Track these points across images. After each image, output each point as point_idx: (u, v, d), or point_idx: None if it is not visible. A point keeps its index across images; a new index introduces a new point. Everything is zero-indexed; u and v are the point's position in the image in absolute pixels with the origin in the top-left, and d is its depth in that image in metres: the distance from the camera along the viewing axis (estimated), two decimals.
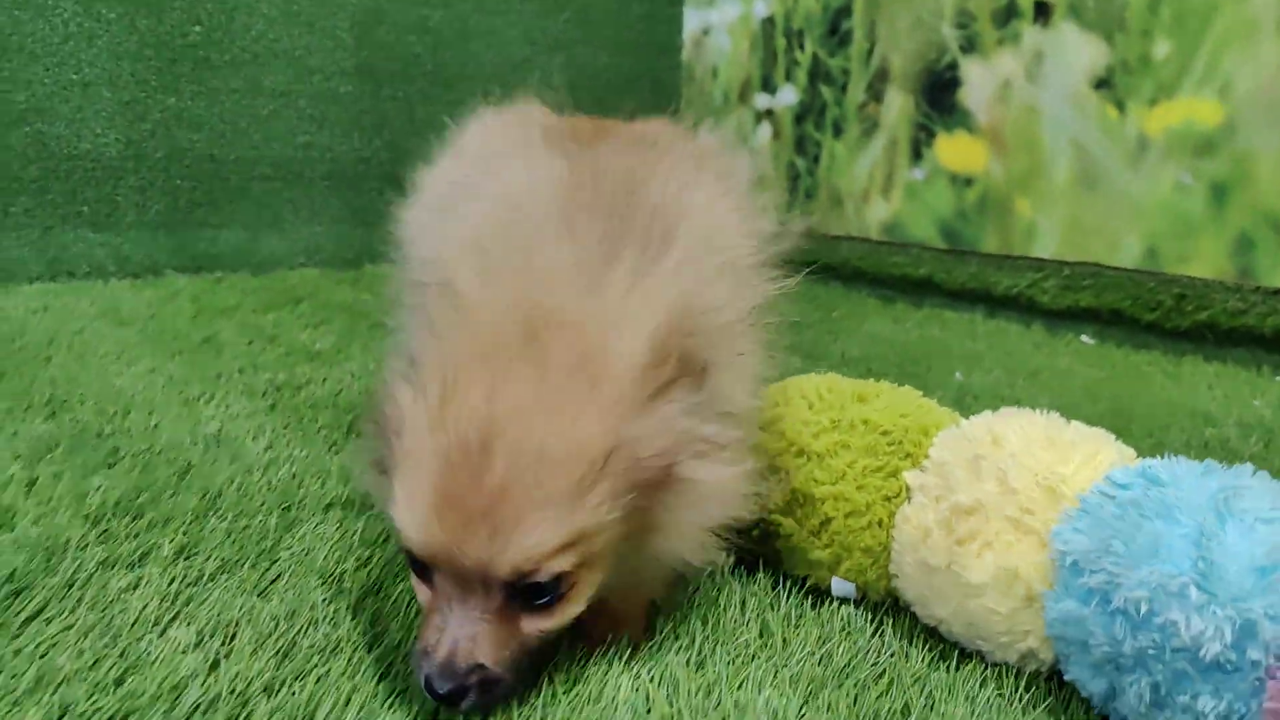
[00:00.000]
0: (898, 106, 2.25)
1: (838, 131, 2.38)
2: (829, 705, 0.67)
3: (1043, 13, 1.98)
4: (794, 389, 0.90)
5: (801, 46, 2.45)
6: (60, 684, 0.64)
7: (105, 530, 0.88)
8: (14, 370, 1.36)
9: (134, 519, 0.91)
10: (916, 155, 2.22)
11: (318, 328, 1.70)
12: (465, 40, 2.35)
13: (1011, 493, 0.72)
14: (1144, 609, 0.61)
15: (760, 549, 0.86)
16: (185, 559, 0.83)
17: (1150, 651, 0.61)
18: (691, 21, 2.72)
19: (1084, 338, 1.91)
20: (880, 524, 0.78)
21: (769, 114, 2.55)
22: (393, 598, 0.78)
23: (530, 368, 0.59)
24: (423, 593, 0.64)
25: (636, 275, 0.63)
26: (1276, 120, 1.69)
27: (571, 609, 0.63)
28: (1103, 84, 1.90)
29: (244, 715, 0.62)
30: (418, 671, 0.61)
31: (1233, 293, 1.74)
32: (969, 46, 2.10)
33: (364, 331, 1.68)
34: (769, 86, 2.54)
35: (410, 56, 2.28)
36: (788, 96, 2.49)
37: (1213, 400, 1.48)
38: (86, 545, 0.84)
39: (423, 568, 0.62)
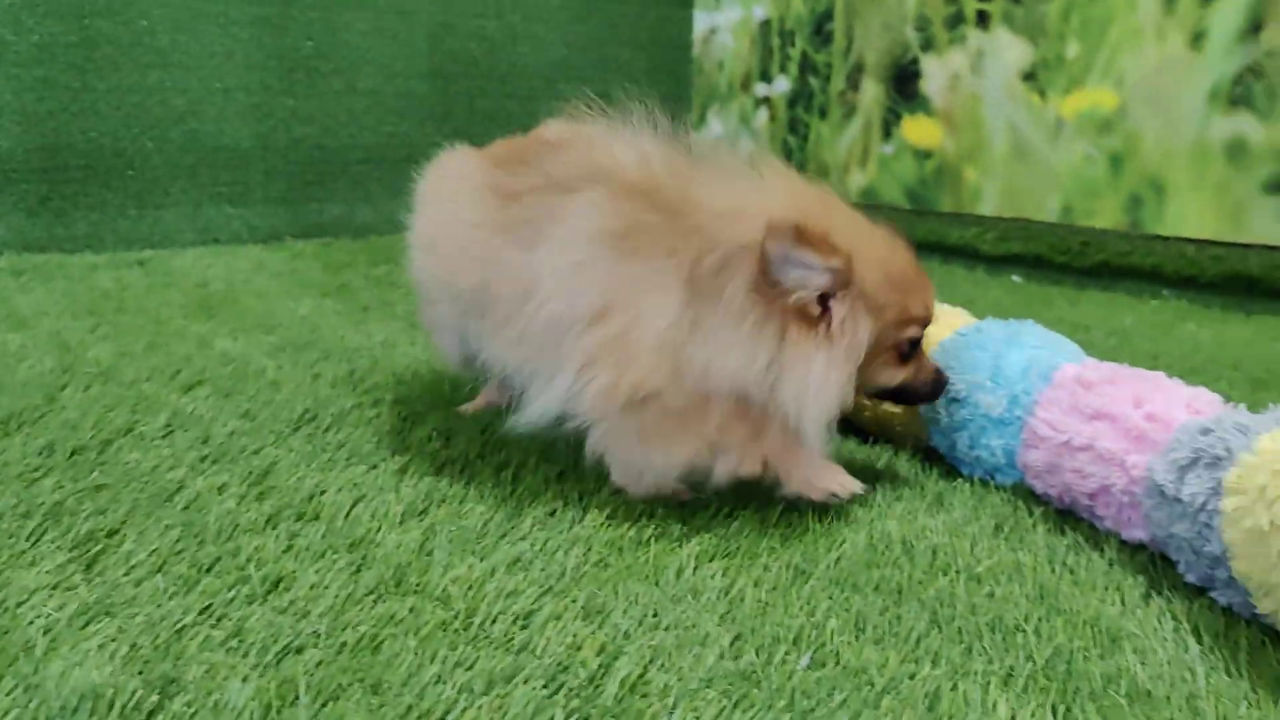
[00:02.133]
0: (871, 94, 2.76)
1: (823, 114, 2.88)
2: None
3: (983, 19, 2.47)
4: None
5: (793, 44, 2.94)
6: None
7: (340, 393, 1.40)
8: (220, 307, 1.88)
9: (353, 389, 1.42)
10: (886, 134, 2.72)
11: None
12: (514, 44, 2.85)
13: None
14: (964, 394, 1.13)
15: None
16: (395, 405, 1.35)
17: (968, 418, 1.12)
18: (700, 22, 3.22)
19: (1014, 277, 2.42)
20: None
21: (766, 100, 3.05)
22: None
23: None
24: (904, 372, 1.05)
25: None
26: (1156, 106, 2.19)
27: None
28: (1029, 77, 2.40)
29: None
30: (927, 389, 1.08)
31: (1123, 239, 2.25)
32: (927, 45, 2.60)
33: None
34: (766, 77, 3.04)
35: (471, 60, 2.78)
36: (782, 85, 2.99)
37: (1095, 317, 1.99)
38: (336, 397, 1.37)
39: (913, 345, 1.04)
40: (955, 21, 2.53)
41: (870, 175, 2.77)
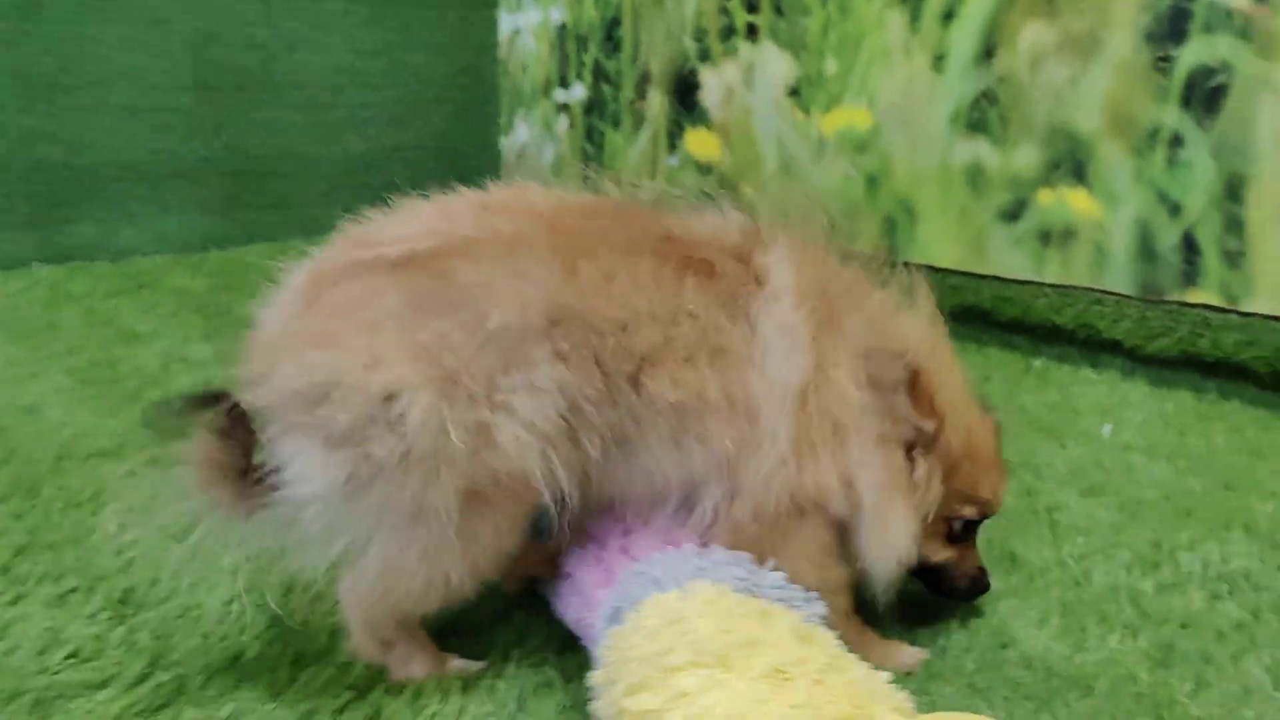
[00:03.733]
0: (657, 104, 2.68)
1: (616, 123, 2.80)
2: None
3: (752, 31, 2.40)
4: None
5: (586, 50, 2.86)
6: None
7: None
8: None
9: None
10: (672, 145, 2.65)
11: (147, 312, 2.12)
12: (292, 52, 2.74)
13: None
14: None
15: None
16: None
17: None
18: (505, 24, 3.12)
19: None
20: None
21: (565, 107, 2.96)
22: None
23: None
24: (947, 551, 0.97)
25: None
26: (906, 125, 2.13)
27: None
28: (794, 92, 2.33)
29: None
30: (964, 583, 0.99)
31: (880, 265, 2.19)
32: (704, 56, 2.53)
33: (184, 315, 2.10)
34: (565, 83, 2.95)
35: (242, 70, 2.67)
36: (578, 92, 2.91)
37: None
38: None
39: (966, 529, 0.97)
40: (728, 33, 2.45)
41: (659, 188, 2.69)
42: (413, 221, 0.87)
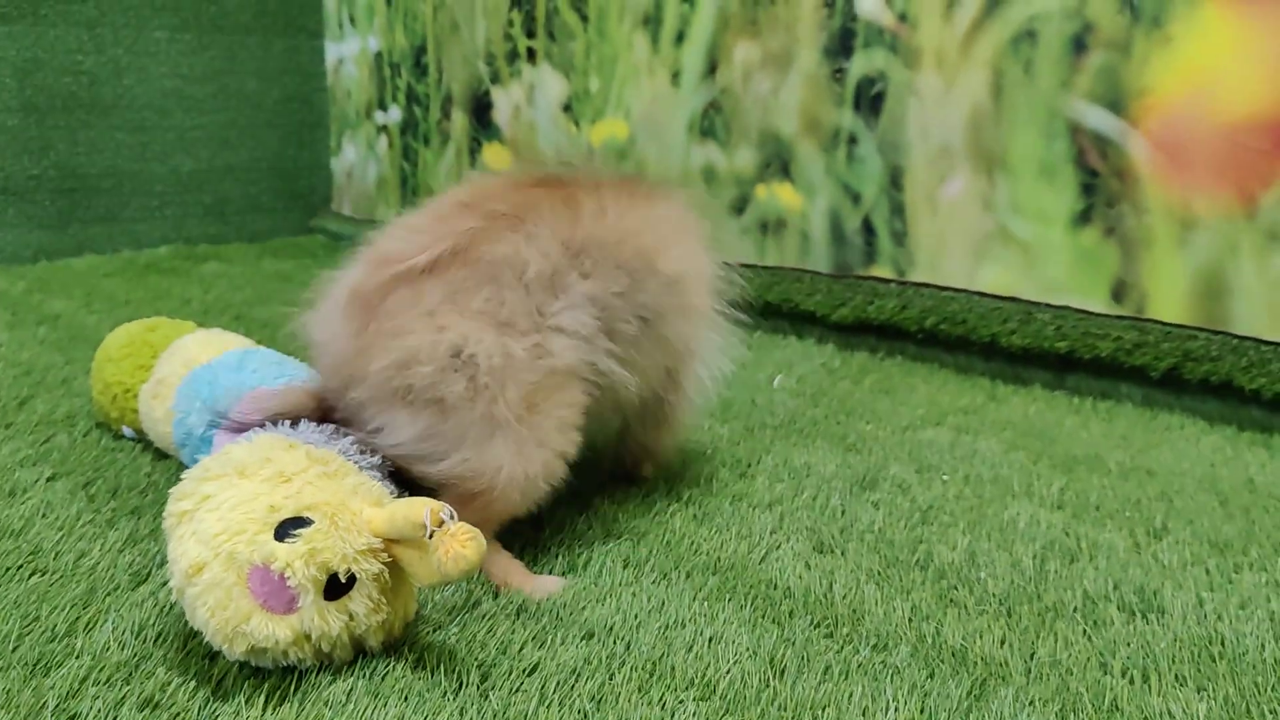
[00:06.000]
0: (459, 123, 2.94)
1: (427, 142, 3.06)
2: None
3: (531, 55, 2.67)
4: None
5: (400, 75, 3.11)
6: None
7: None
8: None
9: None
10: (473, 159, 2.91)
11: None
12: (118, 77, 2.94)
13: None
14: (185, 416, 1.29)
15: None
16: None
17: (184, 437, 1.29)
18: (331, 53, 3.36)
19: None
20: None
21: (384, 128, 3.21)
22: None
23: None
24: None
25: None
26: (655, 134, 2.42)
27: None
28: (567, 108, 2.61)
29: None
30: None
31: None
32: (495, 78, 2.79)
33: None
34: (383, 106, 3.20)
35: (69, 94, 2.86)
36: (394, 114, 3.16)
37: None
38: None
39: None
40: (512, 57, 2.73)
41: None
42: (418, 235, 1.05)
